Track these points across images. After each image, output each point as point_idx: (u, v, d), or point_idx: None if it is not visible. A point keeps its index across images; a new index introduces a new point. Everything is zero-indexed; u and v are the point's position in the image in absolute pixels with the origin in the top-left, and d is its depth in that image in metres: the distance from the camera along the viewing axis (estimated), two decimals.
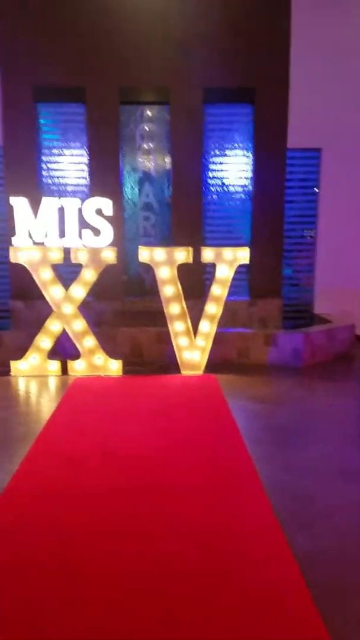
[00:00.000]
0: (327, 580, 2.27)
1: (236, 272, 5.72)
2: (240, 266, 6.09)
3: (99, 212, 5.38)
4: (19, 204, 5.34)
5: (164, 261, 5.48)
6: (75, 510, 2.81)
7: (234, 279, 5.71)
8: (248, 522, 2.73)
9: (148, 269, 6.46)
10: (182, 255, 5.48)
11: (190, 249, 5.55)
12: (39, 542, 2.51)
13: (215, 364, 5.85)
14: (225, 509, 2.85)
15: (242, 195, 7.34)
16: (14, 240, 5.42)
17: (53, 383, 5.37)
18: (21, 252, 5.40)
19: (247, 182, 7.30)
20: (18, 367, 5.58)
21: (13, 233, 5.48)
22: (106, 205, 5.40)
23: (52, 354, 5.65)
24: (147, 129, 7.23)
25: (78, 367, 5.59)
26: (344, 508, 2.89)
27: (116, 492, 3.01)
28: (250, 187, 7.25)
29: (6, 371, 5.61)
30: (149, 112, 7.22)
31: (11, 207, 5.49)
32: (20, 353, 5.69)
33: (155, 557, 2.39)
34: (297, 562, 2.35)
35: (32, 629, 1.95)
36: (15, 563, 2.35)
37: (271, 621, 1.99)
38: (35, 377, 5.52)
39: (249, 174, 7.26)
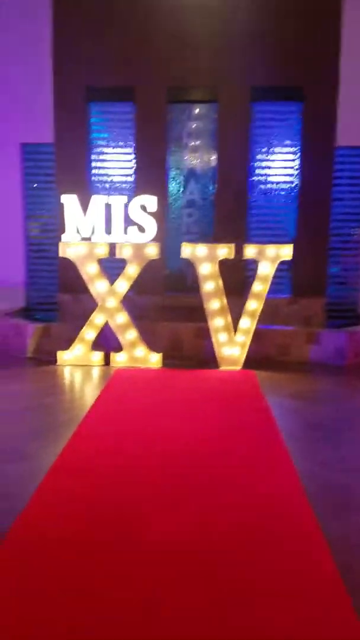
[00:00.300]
0: (357, 563, 2.30)
1: (279, 270, 5.73)
2: (284, 263, 6.10)
3: (144, 208, 5.53)
4: (69, 201, 5.55)
5: (205, 257, 5.56)
6: (115, 489, 2.95)
7: (276, 276, 5.72)
8: (283, 508, 2.79)
9: (189, 264, 6.56)
10: (224, 251, 5.55)
11: (232, 245, 5.61)
12: (83, 516, 2.65)
13: (254, 361, 5.88)
14: (262, 496, 2.92)
15: (288, 193, 7.31)
16: (63, 236, 5.65)
17: (96, 373, 5.56)
18: (70, 248, 5.62)
19: (293, 179, 7.27)
20: (64, 357, 5.80)
21: (63, 229, 5.71)
22: (151, 202, 5.54)
23: (96, 345, 5.85)
24: (193, 126, 7.32)
25: (120, 359, 5.76)
26: None
27: (155, 475, 3.13)
28: (297, 185, 7.21)
29: (52, 361, 5.85)
30: (196, 110, 7.31)
31: (62, 204, 5.73)
32: (66, 344, 5.92)
33: (194, 535, 2.48)
34: (331, 545, 2.40)
35: (83, 596, 2.09)
36: (62, 532, 2.50)
37: (303, 599, 2.05)
38: (80, 367, 5.73)
39: (296, 172, 7.23)
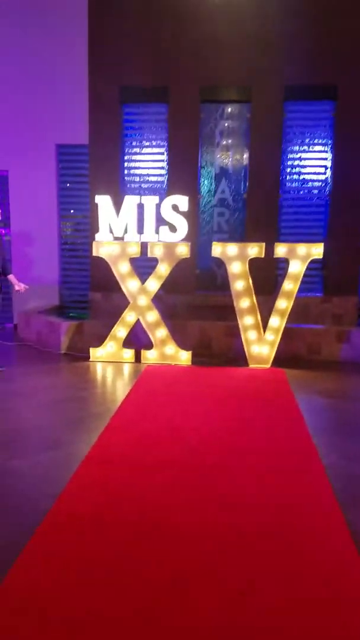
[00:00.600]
0: None
1: (311, 269, 5.74)
2: (316, 262, 6.11)
3: (175, 208, 5.64)
4: (103, 201, 5.71)
5: (235, 256, 5.63)
6: (144, 476, 3.07)
7: (308, 275, 5.74)
8: (309, 501, 2.84)
9: (220, 263, 6.64)
10: (254, 250, 5.60)
11: (263, 244, 5.65)
12: (118, 503, 2.78)
13: (284, 359, 5.92)
14: (287, 488, 2.98)
15: (320, 192, 7.29)
16: (97, 235, 5.82)
17: (127, 369, 5.70)
18: (103, 247, 5.78)
19: (325, 178, 7.24)
20: (96, 353, 5.97)
21: (95, 229, 5.87)
22: (182, 201, 5.64)
23: (127, 343, 5.99)
24: (226, 125, 7.38)
25: (150, 356, 5.89)
26: None
27: (183, 466, 3.23)
28: (329, 184, 7.19)
29: (86, 357, 6.02)
30: (228, 109, 7.37)
31: (95, 204, 5.90)
32: (98, 341, 6.09)
33: (219, 524, 2.57)
34: (354, 538, 2.44)
35: (114, 571, 2.21)
36: (96, 514, 2.63)
37: (325, 581, 2.11)
38: (111, 364, 5.89)
39: (328, 171, 7.20)
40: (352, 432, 3.98)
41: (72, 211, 8.06)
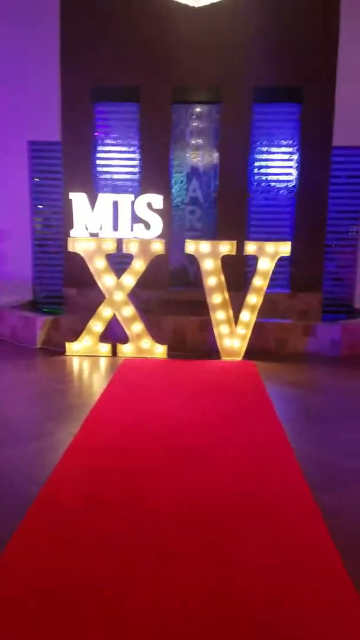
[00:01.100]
0: (349, 530, 2.60)
1: (278, 266, 6.03)
2: (282, 260, 6.39)
3: (150, 206, 5.81)
4: (78, 198, 5.83)
5: (208, 253, 5.85)
6: (126, 464, 3.25)
7: (275, 272, 6.02)
8: (280, 482, 3.09)
9: (192, 260, 6.85)
10: (226, 247, 5.84)
11: (234, 242, 5.89)
12: (104, 487, 2.96)
13: (254, 352, 6.19)
14: (260, 471, 3.22)
15: (287, 191, 7.59)
16: (72, 231, 5.93)
17: (104, 363, 5.85)
18: (78, 243, 5.90)
19: (291, 178, 7.55)
20: (72, 348, 6.09)
21: (68, 225, 5.98)
22: (156, 200, 5.82)
23: (103, 337, 6.13)
24: (196, 125, 7.58)
25: (126, 350, 6.06)
26: None
27: (162, 452, 3.43)
28: (295, 184, 7.49)
29: (62, 351, 6.13)
30: (198, 109, 7.57)
31: (68, 201, 6.00)
32: (73, 335, 6.21)
33: (197, 504, 2.79)
34: (324, 516, 2.70)
35: (100, 553, 2.39)
36: (81, 499, 2.80)
37: (297, 558, 2.36)
38: (88, 358, 6.02)
39: (294, 171, 7.50)
40: (319, 419, 4.26)
41: (40, 207, 8.10)
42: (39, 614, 1.98)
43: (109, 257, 6.01)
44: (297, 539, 2.52)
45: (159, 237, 5.91)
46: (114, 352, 6.09)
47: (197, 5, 4.63)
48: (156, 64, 7.16)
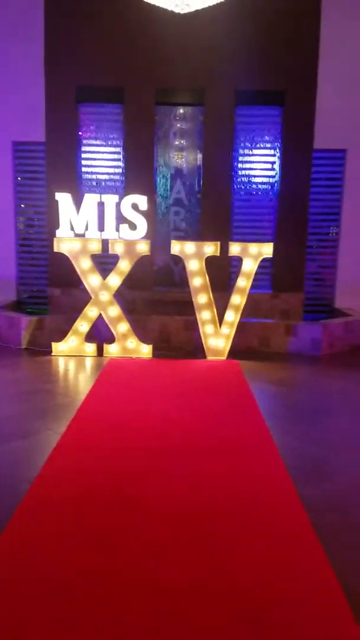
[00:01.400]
0: (329, 520, 2.71)
1: (260, 267, 6.14)
2: (265, 261, 6.51)
3: (135, 207, 5.87)
4: (63, 199, 5.86)
5: (193, 254, 5.94)
6: (114, 461, 3.32)
7: (258, 272, 6.13)
8: (264, 475, 3.19)
9: (177, 261, 6.93)
10: (210, 249, 5.93)
11: (218, 243, 5.99)
12: (91, 485, 3.02)
13: (238, 351, 6.30)
14: (244, 465, 3.32)
15: (269, 193, 7.72)
16: (57, 231, 5.96)
17: (89, 363, 5.89)
18: (64, 243, 5.93)
19: (274, 180, 7.68)
20: (58, 348, 6.12)
21: (52, 225, 6.00)
22: (142, 201, 5.89)
23: (89, 337, 6.18)
24: (180, 126, 7.66)
25: (112, 350, 6.11)
26: (349, 470, 3.33)
27: (149, 450, 3.51)
28: (277, 186, 7.62)
29: (47, 351, 6.16)
30: (182, 111, 7.65)
31: (53, 201, 6.03)
32: (58, 335, 6.24)
33: (185, 499, 2.87)
34: (306, 507, 2.81)
35: (92, 549, 2.45)
36: (71, 496, 2.86)
37: (280, 547, 2.46)
38: (74, 357, 6.06)
39: (276, 173, 7.64)
40: (301, 417, 4.38)
41: (22, 206, 8.10)
42: (31, 608, 2.03)
43: (94, 257, 6.06)
44: (280, 530, 2.62)
45: (144, 237, 5.97)
46: (100, 352, 6.13)
47: (181, 12, 4.68)
48: (140, 66, 7.22)
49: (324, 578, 2.26)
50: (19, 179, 8.03)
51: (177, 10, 4.64)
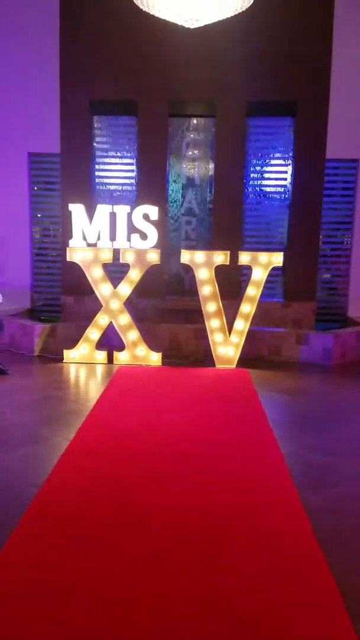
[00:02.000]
0: (332, 527, 2.71)
1: (273, 275, 6.16)
2: (277, 270, 6.54)
3: (146, 217, 5.97)
4: (77, 209, 5.98)
5: (203, 263, 5.99)
6: (122, 467, 3.36)
7: (270, 281, 6.14)
8: (270, 484, 3.20)
9: (187, 269, 7.00)
10: (220, 258, 5.98)
11: (228, 252, 6.04)
12: (99, 490, 3.06)
13: (248, 360, 6.31)
14: (251, 474, 3.33)
15: (281, 202, 7.76)
16: (70, 241, 6.07)
17: (100, 370, 5.96)
18: (76, 252, 6.04)
19: (285, 189, 7.71)
20: (70, 355, 6.21)
21: (67, 235, 6.12)
22: (152, 211, 5.98)
23: (100, 345, 6.25)
24: (192, 137, 7.76)
25: (122, 357, 6.17)
26: (354, 478, 3.33)
27: (157, 457, 3.54)
28: (289, 195, 7.65)
29: (59, 359, 6.25)
30: (194, 121, 7.76)
31: (67, 211, 6.16)
32: (70, 343, 6.33)
33: (191, 506, 2.90)
34: (309, 514, 2.81)
35: (96, 550, 2.50)
36: (81, 500, 2.91)
37: (281, 556, 2.47)
38: (85, 365, 6.14)
39: (288, 183, 7.68)
40: (309, 425, 4.38)
41: (39, 215, 8.26)
42: (36, 613, 2.08)
43: (106, 266, 6.15)
44: (281, 537, 2.63)
45: (154, 247, 6.05)
46: (110, 359, 6.20)
47: (191, 27, 4.77)
48: (153, 79, 7.34)
49: (324, 586, 2.26)
50: (35, 189, 8.20)
51: (187, 25, 4.71)
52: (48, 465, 3.40)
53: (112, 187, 7.81)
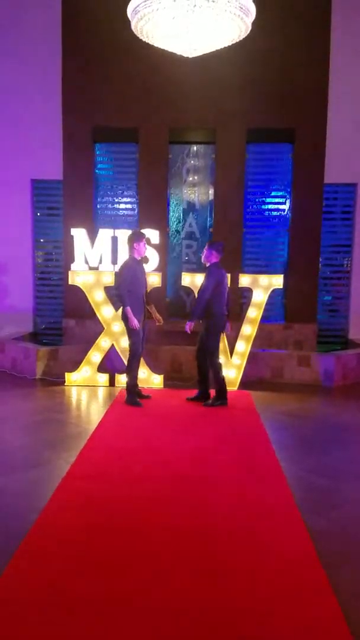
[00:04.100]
0: (334, 549, 2.67)
1: (274, 298, 6.19)
2: (277, 292, 6.57)
3: (147, 240, 6.03)
4: (79, 234, 6.07)
5: None
6: (125, 489, 3.34)
7: (271, 303, 6.17)
8: (272, 507, 3.17)
9: (189, 292, 7.04)
10: None
11: (228, 275, 6.07)
12: (101, 513, 3.04)
13: (249, 382, 6.30)
14: (253, 496, 3.30)
15: (280, 226, 7.85)
16: (72, 265, 6.14)
17: (102, 393, 5.96)
18: (78, 276, 6.11)
19: (285, 214, 7.82)
20: (71, 378, 6.21)
21: (69, 259, 6.19)
22: (153, 235, 6.06)
23: (102, 367, 6.26)
24: (192, 163, 7.91)
25: (124, 380, 6.14)
26: (357, 501, 3.29)
27: (159, 480, 3.52)
28: (288, 219, 7.75)
29: (61, 382, 6.25)
30: (194, 148, 7.92)
31: (69, 236, 6.24)
32: (72, 365, 6.34)
33: (192, 528, 2.87)
34: (311, 536, 2.78)
35: (99, 570, 2.47)
36: (82, 524, 2.88)
37: (284, 576, 2.43)
38: (87, 387, 6.13)
39: (287, 207, 7.78)
40: (310, 447, 4.35)
41: (41, 240, 8.37)
42: (38, 634, 2.05)
43: (108, 289, 6.20)
44: (284, 558, 2.59)
45: (155, 270, 6.11)
46: (112, 382, 6.20)
47: (190, 56, 4.93)
48: (154, 107, 7.53)
49: (326, 606, 2.23)
50: (38, 214, 8.33)
51: (185, 54, 4.87)
52: (49, 488, 3.38)
53: (114, 212, 7.92)
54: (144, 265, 5.80)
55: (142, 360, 6.14)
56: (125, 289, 5.31)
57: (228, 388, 5.75)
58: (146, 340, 5.75)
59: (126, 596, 2.28)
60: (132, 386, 5.46)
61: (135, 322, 5.30)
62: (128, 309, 5.29)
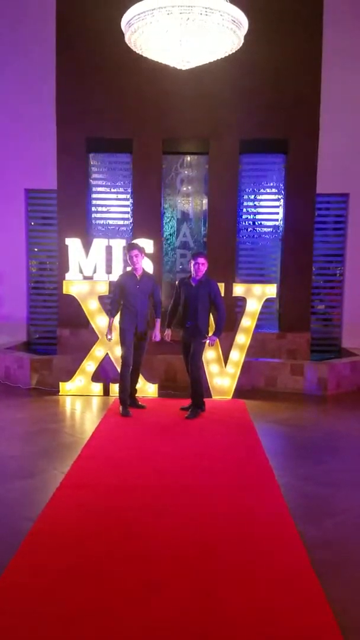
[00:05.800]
0: (328, 558, 2.68)
1: (267, 307, 6.22)
2: (271, 301, 6.60)
3: (142, 251, 6.05)
4: (73, 244, 6.09)
5: None
6: (119, 498, 3.33)
7: (265, 312, 6.20)
8: (265, 515, 3.17)
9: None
10: None
11: (222, 284, 6.11)
12: (92, 521, 3.03)
13: (244, 391, 6.32)
14: (246, 504, 3.30)
15: (273, 235, 7.92)
16: (67, 274, 6.16)
17: (96, 402, 5.94)
18: (73, 285, 6.12)
19: (278, 223, 7.88)
20: (66, 387, 6.19)
21: (63, 269, 6.19)
22: (147, 244, 6.08)
23: (96, 377, 6.25)
24: (186, 173, 7.97)
25: (119, 389, 6.15)
26: (351, 509, 3.30)
27: (153, 489, 3.51)
28: (281, 229, 7.82)
29: (55, 391, 6.23)
30: (188, 158, 7.98)
31: (63, 245, 6.26)
32: (66, 375, 6.32)
33: (186, 536, 2.87)
34: (305, 545, 2.78)
35: (93, 580, 2.46)
36: (76, 532, 2.87)
37: (278, 592, 2.43)
38: (81, 397, 6.12)
39: (280, 217, 7.85)
40: (304, 456, 4.36)
41: (35, 249, 8.39)
42: None
43: (102, 298, 6.21)
44: (278, 568, 2.60)
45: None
46: (106, 391, 6.19)
47: (183, 68, 4.99)
48: (148, 118, 7.59)
49: (320, 615, 2.23)
50: (32, 224, 8.35)
51: (178, 66, 4.93)
52: (44, 498, 3.36)
53: (109, 222, 7.96)
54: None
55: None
56: (112, 299, 5.54)
57: (222, 397, 5.77)
58: (146, 351, 5.74)
59: (121, 606, 2.27)
60: (121, 396, 5.44)
61: (107, 333, 5.56)
62: (111, 319, 5.53)
